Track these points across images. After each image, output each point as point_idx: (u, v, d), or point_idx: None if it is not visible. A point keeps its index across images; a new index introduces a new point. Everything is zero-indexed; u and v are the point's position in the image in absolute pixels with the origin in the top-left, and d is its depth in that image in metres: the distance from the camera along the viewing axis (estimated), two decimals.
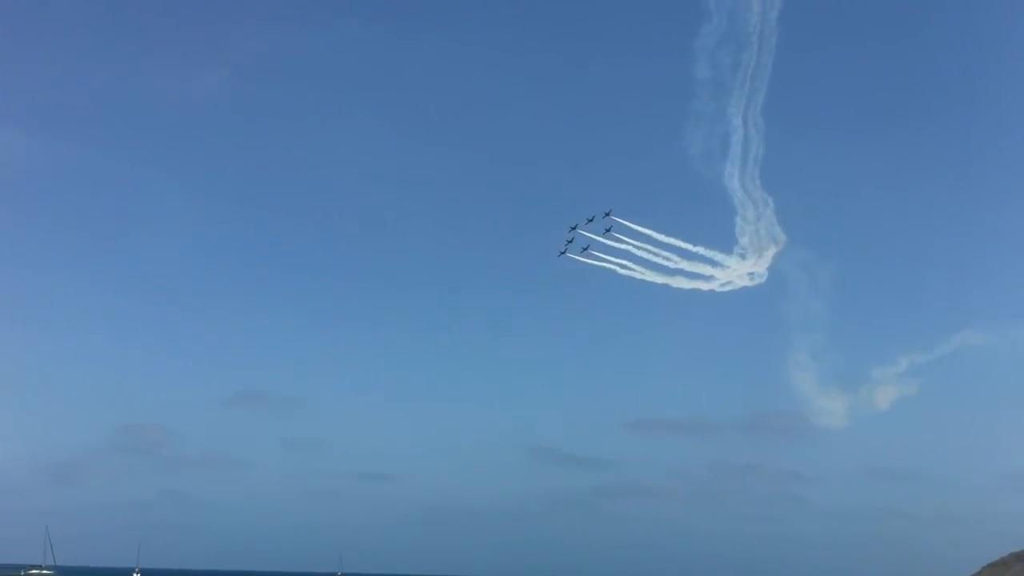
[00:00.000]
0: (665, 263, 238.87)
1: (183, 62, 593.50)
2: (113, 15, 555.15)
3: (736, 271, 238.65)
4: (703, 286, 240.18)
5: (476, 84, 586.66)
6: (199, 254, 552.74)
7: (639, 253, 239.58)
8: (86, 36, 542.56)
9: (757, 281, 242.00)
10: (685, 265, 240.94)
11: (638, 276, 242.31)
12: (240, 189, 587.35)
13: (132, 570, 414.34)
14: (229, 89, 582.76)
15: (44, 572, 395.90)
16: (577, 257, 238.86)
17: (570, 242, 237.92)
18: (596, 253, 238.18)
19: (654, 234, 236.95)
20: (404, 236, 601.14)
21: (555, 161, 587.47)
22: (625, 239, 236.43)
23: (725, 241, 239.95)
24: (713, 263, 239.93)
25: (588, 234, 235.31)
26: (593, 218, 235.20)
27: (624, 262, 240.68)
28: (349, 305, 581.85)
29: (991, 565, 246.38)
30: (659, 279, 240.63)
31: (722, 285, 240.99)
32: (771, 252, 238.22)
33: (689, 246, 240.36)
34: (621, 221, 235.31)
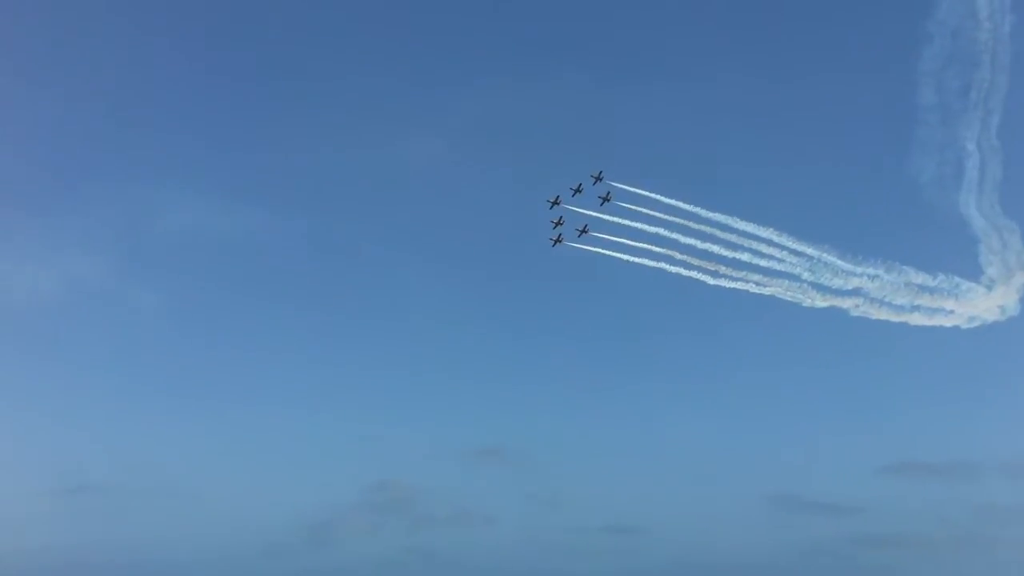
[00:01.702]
0: (902, 300, 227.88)
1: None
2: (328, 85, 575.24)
3: (983, 304, 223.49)
4: (945, 322, 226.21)
5: (692, 123, 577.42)
6: (440, 321, 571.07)
7: (874, 291, 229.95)
8: (300, 114, 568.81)
9: (1009, 314, 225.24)
10: (925, 300, 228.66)
11: (874, 315, 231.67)
12: (468, 254, 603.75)
13: None
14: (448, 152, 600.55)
15: None
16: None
17: None
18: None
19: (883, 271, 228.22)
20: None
21: None
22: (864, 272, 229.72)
23: (969, 271, 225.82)
24: (957, 296, 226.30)
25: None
26: None
27: (858, 301, 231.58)
28: (586, 356, 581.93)
29: None
30: (896, 317, 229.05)
31: (969, 320, 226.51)
32: (1021, 281, 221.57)
33: (929, 279, 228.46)
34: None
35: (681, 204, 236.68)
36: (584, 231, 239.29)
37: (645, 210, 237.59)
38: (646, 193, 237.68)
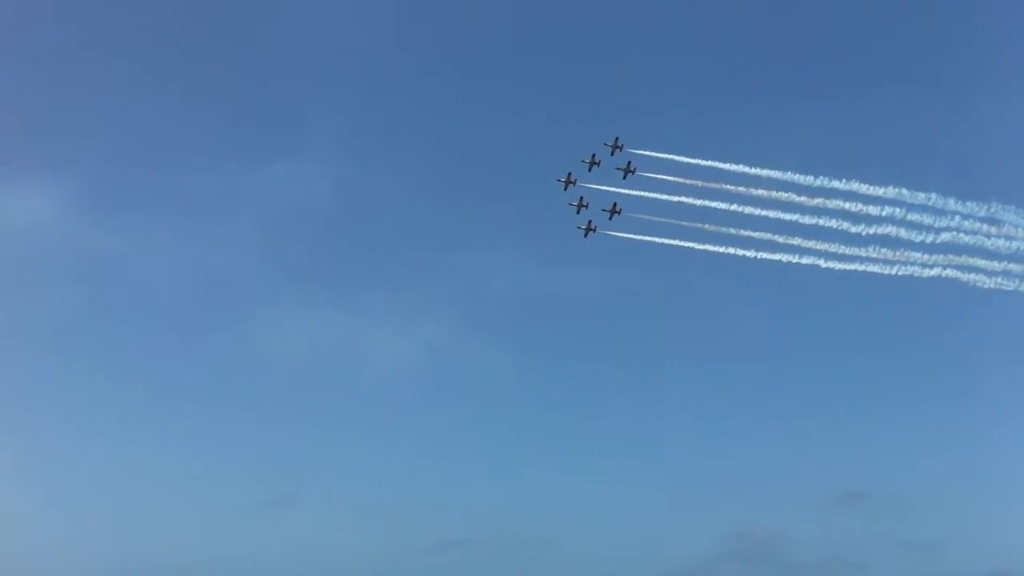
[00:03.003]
0: None
1: None
2: None
3: None
4: None
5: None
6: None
7: None
8: None
9: None
10: None
11: None
12: None
13: None
14: None
15: None
16: None
17: None
18: None
19: None
20: None
21: None
22: None
23: None
24: None
25: None
26: None
27: None
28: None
29: None
30: None
31: None
32: None
33: None
34: None
35: (739, 167, 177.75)
36: (615, 212, 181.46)
37: (688, 180, 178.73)
38: (685, 159, 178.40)
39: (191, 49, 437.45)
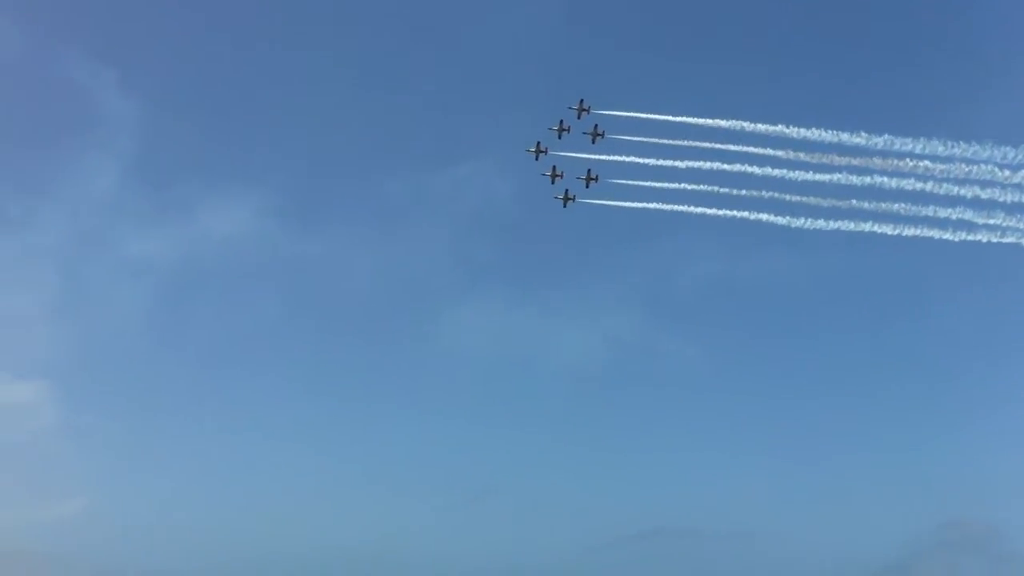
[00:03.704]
0: None
1: None
2: None
3: None
4: None
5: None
6: None
7: None
8: None
9: None
10: None
11: None
12: None
13: None
14: None
15: None
16: None
17: None
18: None
19: None
20: None
21: None
22: None
23: None
24: None
25: None
26: None
27: None
28: None
29: None
30: None
31: None
32: None
33: None
34: None
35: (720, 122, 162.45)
36: (591, 179, 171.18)
37: (665, 141, 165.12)
38: (657, 116, 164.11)
39: (387, 58, 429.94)
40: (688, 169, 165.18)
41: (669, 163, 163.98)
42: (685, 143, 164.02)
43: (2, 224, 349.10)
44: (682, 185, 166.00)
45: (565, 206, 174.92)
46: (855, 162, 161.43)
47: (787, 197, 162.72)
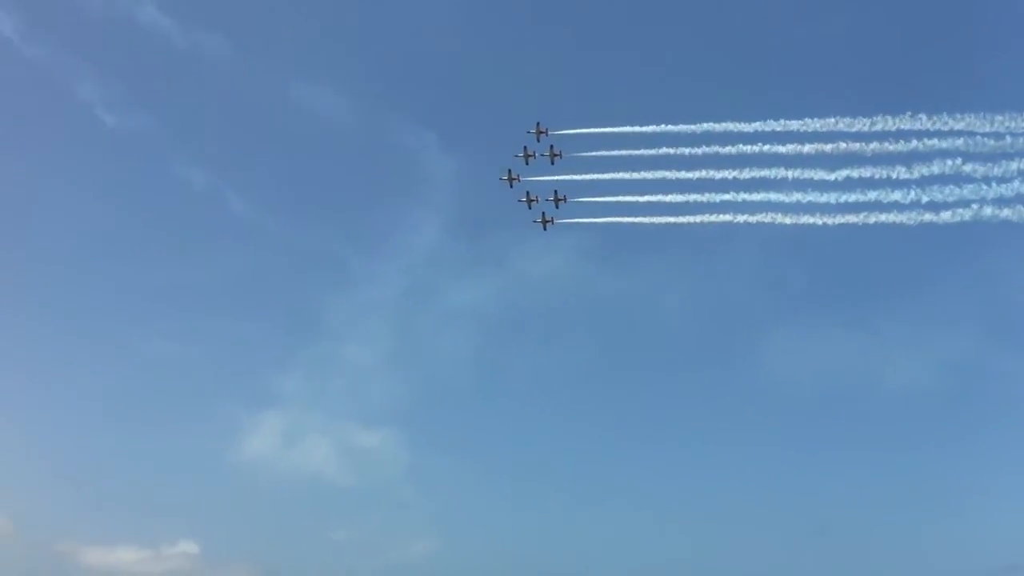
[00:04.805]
0: None
1: None
2: None
3: None
4: None
5: None
6: None
7: None
8: None
9: None
10: None
11: None
12: None
13: None
14: None
15: None
16: None
17: None
18: None
19: None
20: None
21: None
22: None
23: None
24: None
25: None
26: None
27: None
28: None
29: None
30: None
31: None
32: None
33: None
34: None
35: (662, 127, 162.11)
36: (559, 200, 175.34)
37: (622, 152, 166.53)
38: (608, 130, 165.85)
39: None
40: (650, 180, 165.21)
41: (628, 175, 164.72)
42: (641, 152, 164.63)
43: (347, 282, 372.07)
44: (647, 197, 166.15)
45: (545, 229, 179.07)
46: None
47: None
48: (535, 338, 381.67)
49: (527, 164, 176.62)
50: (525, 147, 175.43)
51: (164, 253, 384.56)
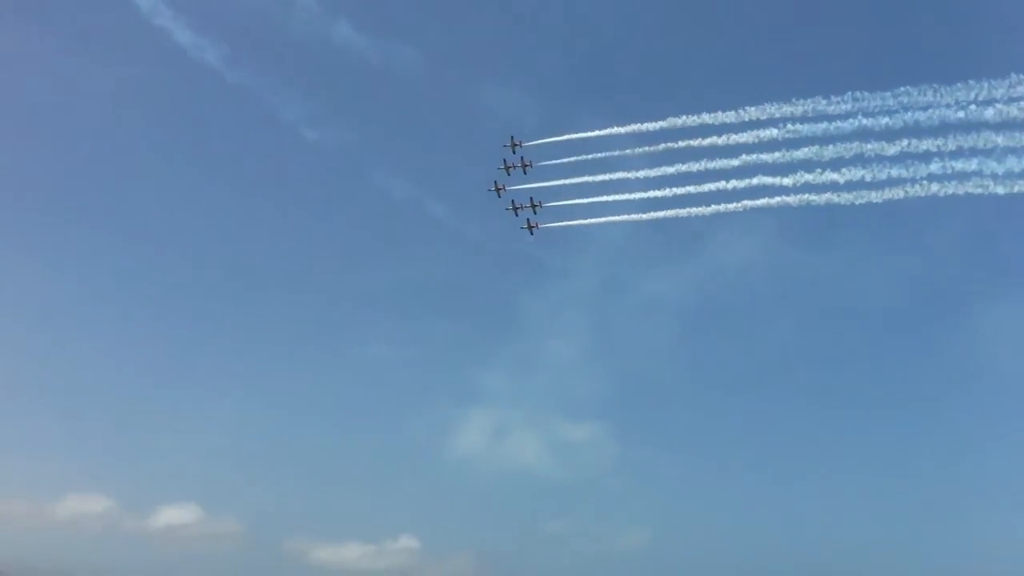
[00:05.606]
0: None
1: None
2: None
3: None
4: None
5: None
6: None
7: None
8: None
9: None
10: None
11: None
12: None
13: None
14: None
15: None
16: None
17: None
18: None
19: None
20: None
21: None
22: None
23: None
24: None
25: None
26: None
27: None
28: None
29: None
30: None
31: None
32: None
33: None
34: None
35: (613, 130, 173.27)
36: (535, 206, 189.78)
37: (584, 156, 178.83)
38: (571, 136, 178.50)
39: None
40: (614, 181, 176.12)
41: (589, 178, 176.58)
42: (605, 155, 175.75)
43: (543, 278, 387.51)
44: (612, 197, 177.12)
45: (532, 234, 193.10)
46: None
47: None
48: (732, 325, 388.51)
49: (508, 175, 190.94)
50: (505, 160, 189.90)
51: (372, 261, 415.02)
